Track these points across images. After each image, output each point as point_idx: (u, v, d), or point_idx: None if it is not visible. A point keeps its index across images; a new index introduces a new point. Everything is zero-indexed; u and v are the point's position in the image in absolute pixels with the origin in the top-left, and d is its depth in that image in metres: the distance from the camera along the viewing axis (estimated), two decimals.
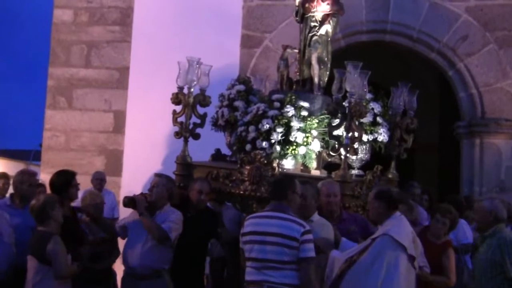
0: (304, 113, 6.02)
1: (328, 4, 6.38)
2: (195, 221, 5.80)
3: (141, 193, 5.89)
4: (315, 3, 6.39)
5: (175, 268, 5.65)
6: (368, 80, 5.88)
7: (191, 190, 5.92)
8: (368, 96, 6.25)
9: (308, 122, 5.99)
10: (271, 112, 5.98)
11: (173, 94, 6.41)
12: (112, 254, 6.20)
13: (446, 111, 11.42)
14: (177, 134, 6.43)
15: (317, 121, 6.03)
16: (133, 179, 8.92)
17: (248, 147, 6.02)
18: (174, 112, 6.45)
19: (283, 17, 9.22)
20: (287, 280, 4.58)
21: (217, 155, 6.73)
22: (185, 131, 6.38)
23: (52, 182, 5.97)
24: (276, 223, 4.66)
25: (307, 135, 5.93)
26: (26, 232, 5.54)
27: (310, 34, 6.42)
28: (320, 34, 6.37)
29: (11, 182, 6.76)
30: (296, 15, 6.66)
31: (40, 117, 9.90)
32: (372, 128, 6.32)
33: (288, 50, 6.73)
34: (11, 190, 6.41)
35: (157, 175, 5.88)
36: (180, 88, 6.41)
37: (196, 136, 6.44)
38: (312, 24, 6.41)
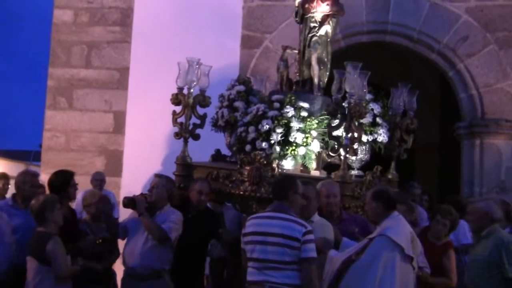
0: (304, 113, 6.02)
1: (327, 4, 6.38)
2: (195, 221, 5.81)
3: (141, 194, 5.90)
4: (314, 3, 6.39)
5: (175, 268, 5.65)
6: (369, 80, 5.88)
7: (191, 190, 5.93)
8: (368, 96, 6.25)
9: (308, 122, 5.99)
10: (271, 113, 5.99)
11: (172, 94, 6.41)
12: (113, 254, 6.20)
13: (446, 112, 11.42)
14: (177, 135, 6.43)
15: (316, 121, 6.03)
16: (133, 179, 8.92)
17: (248, 147, 6.02)
18: (174, 112, 6.45)
19: (283, 18, 9.22)
20: (288, 280, 4.59)
21: (217, 156, 6.73)
22: (185, 132, 6.38)
23: (50, 182, 5.98)
24: (278, 223, 4.67)
25: (307, 135, 5.93)
26: (28, 232, 5.54)
27: (310, 35, 6.42)
28: (320, 35, 6.38)
29: (10, 182, 6.76)
30: (296, 16, 6.66)
31: (40, 118, 9.90)
32: (371, 128, 6.32)
33: (288, 50, 6.74)
34: (11, 190, 6.42)
35: (157, 175, 5.88)
36: (180, 89, 6.41)
37: (196, 137, 6.44)
38: (312, 24, 6.42)
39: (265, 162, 5.75)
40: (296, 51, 6.68)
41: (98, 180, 8.62)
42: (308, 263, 4.60)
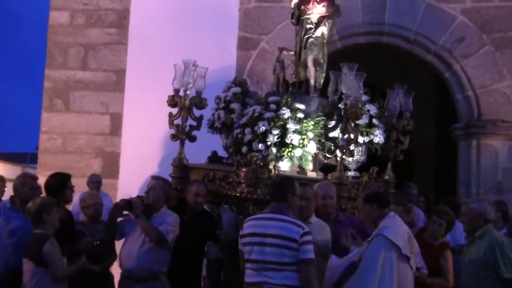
0: (300, 115, 6.03)
1: (323, 6, 6.39)
2: (192, 223, 5.81)
3: (138, 196, 5.89)
4: (310, 5, 6.41)
5: (172, 270, 5.66)
6: (365, 82, 5.89)
7: (188, 192, 5.93)
8: (364, 98, 6.26)
9: (304, 124, 6.00)
10: (267, 114, 6.00)
11: (169, 96, 6.41)
12: (110, 256, 6.20)
13: (443, 113, 11.44)
14: (174, 137, 6.43)
15: (313, 123, 6.04)
16: (130, 181, 8.92)
17: (244, 149, 6.03)
18: (170, 114, 6.45)
19: (279, 19, 9.22)
20: (287, 281, 4.59)
21: (214, 158, 6.74)
22: (182, 134, 6.38)
23: (47, 184, 5.98)
24: (276, 224, 4.67)
25: (303, 137, 5.94)
26: (26, 235, 5.53)
27: (306, 36, 6.43)
28: (316, 36, 6.39)
29: (6, 185, 6.75)
30: (292, 17, 6.68)
31: (37, 120, 9.90)
32: (368, 129, 6.33)
33: (284, 52, 6.75)
34: (7, 193, 6.41)
35: (154, 177, 5.88)
36: (176, 91, 6.41)
37: (193, 139, 6.44)
38: (308, 26, 6.43)
39: (261, 163, 5.75)
40: (292, 53, 6.69)
41: (95, 182, 8.60)
42: (307, 264, 4.60)
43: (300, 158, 5.99)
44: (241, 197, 5.82)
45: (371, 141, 6.38)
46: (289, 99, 6.09)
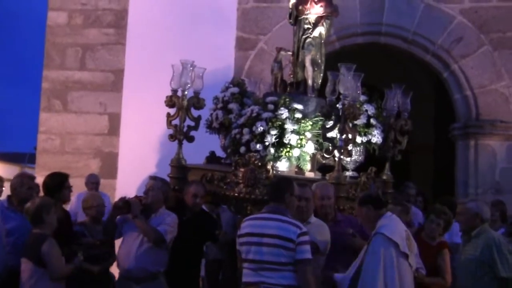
0: (298, 115, 6.03)
1: (321, 6, 6.39)
2: (190, 223, 5.80)
3: (136, 196, 5.89)
4: (308, 5, 6.41)
5: (171, 270, 5.65)
6: (363, 82, 5.89)
7: (186, 193, 5.92)
8: (362, 98, 6.26)
9: (302, 124, 6.00)
10: (265, 115, 6.00)
11: (167, 97, 6.41)
12: (110, 257, 6.20)
13: (441, 113, 11.44)
14: (172, 137, 6.43)
15: (311, 123, 6.05)
16: (128, 181, 8.90)
17: (242, 149, 6.03)
18: (168, 115, 6.45)
19: (277, 19, 9.22)
20: (284, 281, 4.59)
21: (212, 158, 6.74)
22: (180, 134, 6.38)
23: (45, 184, 5.98)
24: (274, 224, 4.67)
25: (301, 137, 5.94)
26: (24, 235, 5.52)
27: (304, 36, 6.44)
28: (314, 36, 6.39)
29: (4, 185, 6.74)
30: (290, 18, 6.67)
31: (35, 120, 9.88)
32: (366, 130, 6.34)
33: (282, 52, 6.75)
34: (5, 193, 6.39)
35: (152, 178, 5.87)
36: (174, 91, 6.41)
37: (191, 139, 6.44)
38: (306, 26, 6.44)
39: (259, 164, 5.75)
40: (290, 53, 6.69)
41: (94, 183, 8.60)
42: (304, 264, 4.60)
43: (298, 158, 5.99)
44: (239, 198, 5.82)
45: (369, 141, 6.39)
46: (287, 100, 6.09)
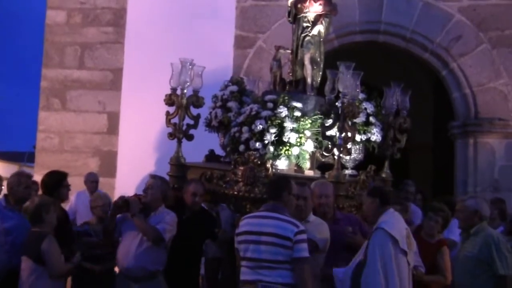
0: (297, 113, 6.03)
1: (320, 4, 6.39)
2: (189, 222, 5.80)
3: (135, 195, 5.89)
4: (307, 3, 6.40)
5: (170, 269, 5.65)
6: (362, 80, 5.90)
7: (185, 192, 5.92)
8: (361, 96, 6.27)
9: (301, 122, 6.00)
10: (264, 113, 5.99)
11: (166, 95, 6.41)
12: (114, 257, 6.20)
13: (440, 111, 11.44)
14: (171, 135, 6.43)
15: (310, 121, 6.04)
16: (127, 180, 8.90)
17: (241, 148, 6.03)
18: (168, 113, 6.45)
19: (276, 18, 9.21)
20: (281, 279, 4.61)
21: (211, 156, 6.74)
22: (179, 132, 6.38)
23: (43, 182, 5.98)
24: (271, 223, 4.68)
25: (300, 135, 5.94)
26: (22, 234, 5.52)
27: (303, 35, 6.43)
28: (313, 35, 6.39)
29: (3, 183, 6.72)
30: (289, 16, 6.67)
31: (34, 119, 9.88)
32: (365, 128, 6.34)
33: (281, 50, 6.75)
34: (4, 191, 6.38)
35: (152, 176, 5.87)
36: (173, 89, 6.41)
37: (190, 137, 6.44)
38: (305, 24, 6.43)
39: (259, 162, 5.76)
40: (289, 51, 6.69)
41: (93, 181, 8.60)
42: (301, 262, 4.63)
43: (298, 156, 6.00)
44: (239, 196, 5.82)
45: (368, 140, 6.39)
46: (286, 98, 6.09)
